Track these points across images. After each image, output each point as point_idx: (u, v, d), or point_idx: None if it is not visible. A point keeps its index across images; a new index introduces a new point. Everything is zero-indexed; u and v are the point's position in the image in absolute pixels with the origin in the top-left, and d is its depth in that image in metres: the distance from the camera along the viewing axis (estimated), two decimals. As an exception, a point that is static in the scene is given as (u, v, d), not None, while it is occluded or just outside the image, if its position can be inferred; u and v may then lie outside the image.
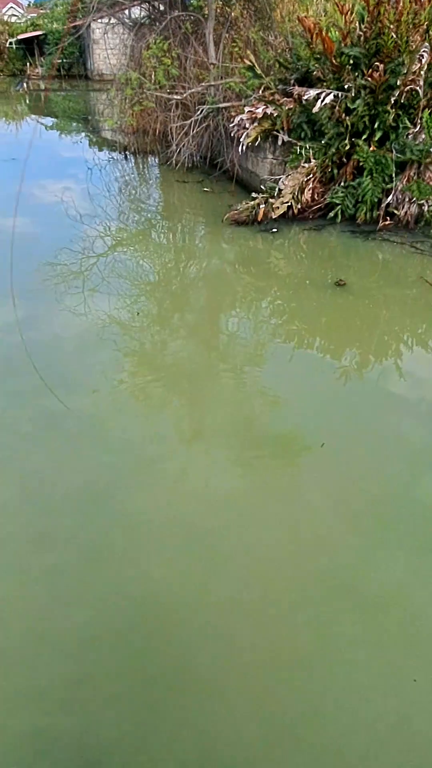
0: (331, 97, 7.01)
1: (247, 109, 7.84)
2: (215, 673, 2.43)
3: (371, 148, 7.11)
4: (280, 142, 7.70)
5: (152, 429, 3.93)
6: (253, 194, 7.78)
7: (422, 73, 6.96)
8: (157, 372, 4.61)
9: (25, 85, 24.79)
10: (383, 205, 7.32)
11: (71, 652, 2.50)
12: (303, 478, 3.50)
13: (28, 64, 27.04)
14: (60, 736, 2.22)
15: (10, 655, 2.49)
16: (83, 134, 14.98)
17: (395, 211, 7.34)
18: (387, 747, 2.19)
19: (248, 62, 8.10)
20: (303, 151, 7.45)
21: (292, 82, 7.80)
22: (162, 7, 10.90)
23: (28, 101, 21.25)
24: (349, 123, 7.10)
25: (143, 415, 4.08)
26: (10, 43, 27.10)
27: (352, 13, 7.14)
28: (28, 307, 5.53)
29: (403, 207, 7.30)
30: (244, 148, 7.98)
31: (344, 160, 7.39)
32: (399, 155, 7.10)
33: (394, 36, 6.78)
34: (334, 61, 7.08)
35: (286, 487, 3.44)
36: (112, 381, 4.38)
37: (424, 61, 6.92)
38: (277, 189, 7.58)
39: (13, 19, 29.70)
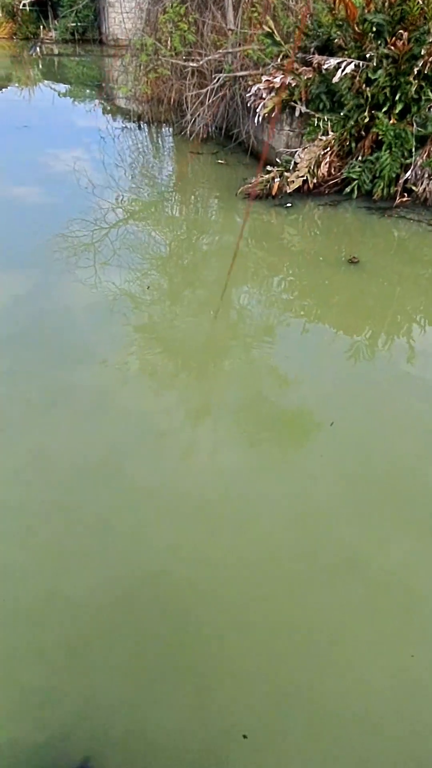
0: (351, 66, 6.79)
1: (264, 78, 7.62)
2: (218, 640, 2.50)
3: (391, 121, 6.91)
4: (297, 114, 7.50)
5: (161, 403, 3.95)
6: (268, 167, 7.63)
7: (448, 42, 6.70)
8: (166, 346, 4.61)
9: (38, 49, 24.23)
10: (401, 181, 7.15)
11: (77, 616, 2.57)
12: (310, 456, 3.52)
13: (41, 27, 26.36)
14: (64, 695, 2.30)
15: (18, 618, 2.57)
16: (97, 102, 14.69)
17: (413, 188, 7.17)
18: (383, 713, 2.25)
19: (267, 29, 7.84)
20: (321, 123, 7.26)
21: (312, 50, 7.55)
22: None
23: (41, 66, 20.82)
24: (369, 94, 6.89)
25: (152, 388, 4.10)
26: (24, 5, 26.35)
27: (377, -23, 6.86)
28: (40, 278, 5.52)
29: (421, 183, 7.12)
30: (260, 119, 7.79)
31: (363, 133, 7.19)
32: (420, 129, 6.89)
33: (421, 2, 6.51)
34: (356, 28, 6.83)
35: (293, 464, 3.47)
36: (122, 354, 4.39)
37: (450, 29, 6.65)
38: (292, 162, 7.42)
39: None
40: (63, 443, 3.54)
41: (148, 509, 3.11)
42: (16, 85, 17.15)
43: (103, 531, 2.97)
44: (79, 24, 25.18)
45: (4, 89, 16.33)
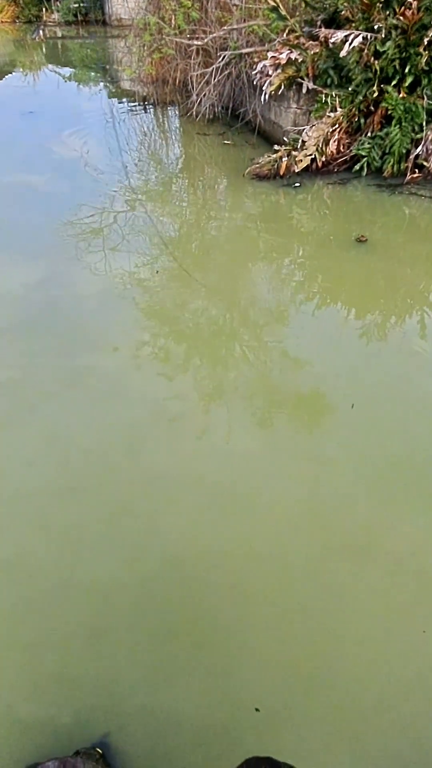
0: (359, 39, 6.62)
1: (270, 54, 7.47)
2: (235, 622, 2.54)
3: (401, 95, 6.75)
4: (304, 90, 7.36)
5: (173, 387, 3.98)
6: (276, 147, 7.51)
7: (459, 10, 6.50)
8: (177, 330, 4.62)
9: (41, 32, 23.91)
10: (412, 157, 7.01)
11: (94, 602, 2.63)
12: (324, 438, 3.53)
13: (43, 9, 25.98)
14: (83, 680, 2.36)
15: (36, 603, 2.64)
16: (102, 84, 14.52)
17: (424, 163, 7.02)
18: (398, 691, 2.29)
19: (272, 2, 7.65)
20: (329, 100, 7.12)
21: (318, 23, 7.38)
22: None
23: (44, 50, 20.57)
24: (378, 68, 6.72)
25: (164, 373, 4.12)
26: (25, -13, 25.91)
27: None
28: (50, 264, 5.55)
29: (433, 158, 6.98)
30: (266, 97, 7.65)
31: (372, 108, 7.04)
32: (431, 102, 6.73)
33: (430, -31, 6.31)
34: (363, -2, 6.65)
35: (308, 446, 3.48)
36: (133, 339, 4.42)
37: (461, -4, 6.44)
38: (300, 141, 7.30)
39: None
40: (76, 428, 3.59)
41: (163, 493, 3.15)
42: (21, 70, 16.99)
43: (119, 517, 3.02)
44: (81, 5, 24.75)
45: (8, 75, 16.20)
